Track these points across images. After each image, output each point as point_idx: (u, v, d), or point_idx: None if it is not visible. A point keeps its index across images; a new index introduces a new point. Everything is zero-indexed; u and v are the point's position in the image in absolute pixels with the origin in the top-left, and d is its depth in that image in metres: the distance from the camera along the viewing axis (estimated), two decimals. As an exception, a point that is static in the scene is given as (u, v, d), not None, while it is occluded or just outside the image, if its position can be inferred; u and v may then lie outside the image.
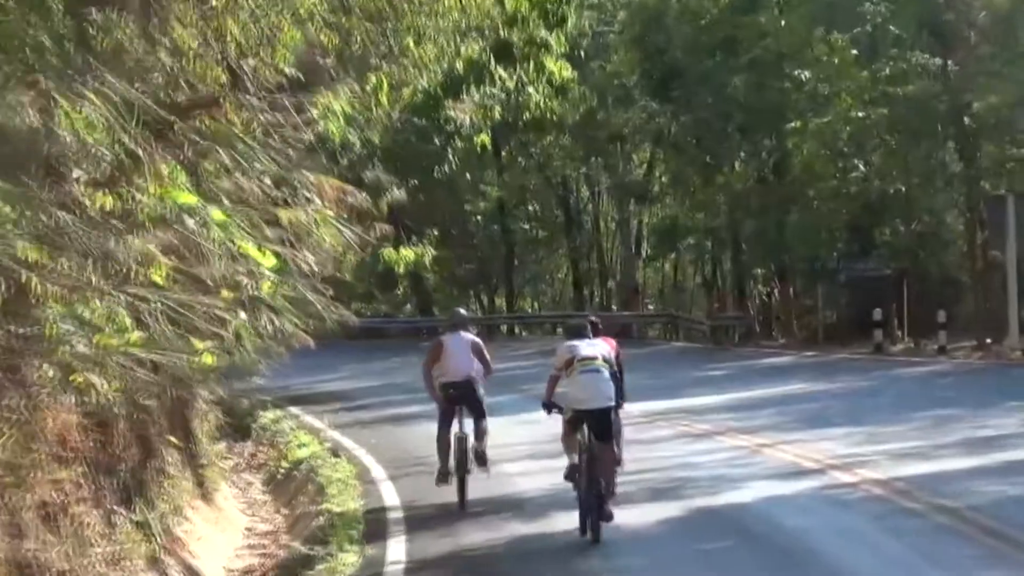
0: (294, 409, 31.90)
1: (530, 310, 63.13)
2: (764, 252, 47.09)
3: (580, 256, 58.19)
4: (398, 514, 16.44)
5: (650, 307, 57.52)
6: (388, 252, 28.65)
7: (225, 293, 10.65)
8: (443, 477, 15.88)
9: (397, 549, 14.18)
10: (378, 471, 20.51)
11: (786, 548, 13.07)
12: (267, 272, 10.49)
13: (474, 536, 14.61)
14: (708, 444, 20.57)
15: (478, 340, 16.20)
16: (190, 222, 10.95)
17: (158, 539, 15.24)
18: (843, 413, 23.26)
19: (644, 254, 57.94)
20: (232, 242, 11.04)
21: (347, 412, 30.00)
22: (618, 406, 13.80)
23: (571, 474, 13.60)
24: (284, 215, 14.41)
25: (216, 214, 10.99)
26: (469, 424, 16.08)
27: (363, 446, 23.62)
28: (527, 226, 61.82)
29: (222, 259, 11.13)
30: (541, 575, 12.55)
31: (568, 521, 14.53)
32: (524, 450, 20.56)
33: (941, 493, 14.90)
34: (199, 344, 10.32)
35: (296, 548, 15.42)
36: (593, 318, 15.45)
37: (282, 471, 24.51)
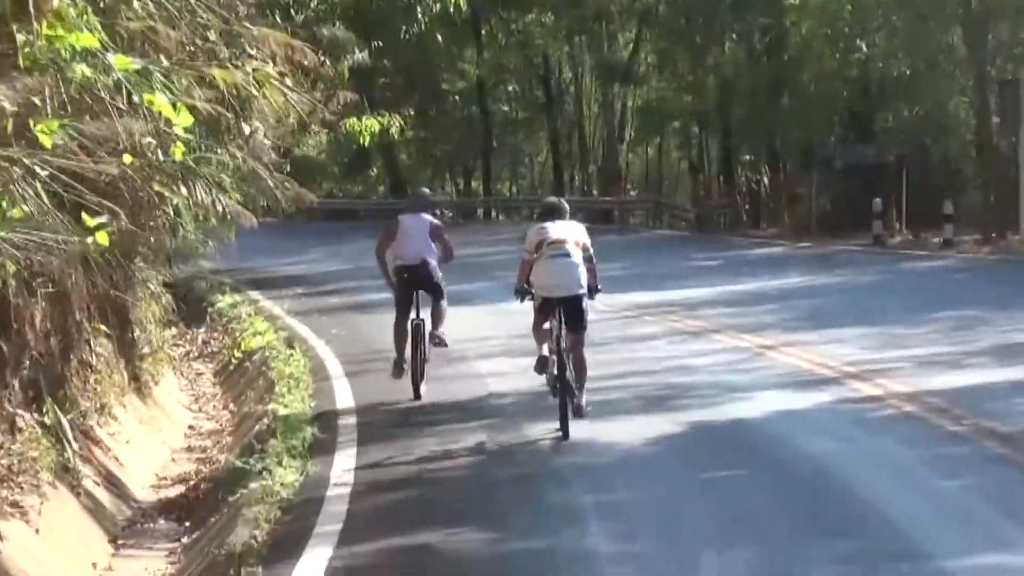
0: (254, 294, 30.10)
1: (508, 194, 61.05)
2: (754, 136, 44.82)
3: (560, 139, 55.95)
4: (350, 419, 14.36)
5: (632, 193, 55.26)
6: (351, 122, 26.14)
7: (128, 158, 8.43)
8: (399, 369, 14.89)
9: (343, 465, 12.06)
10: (334, 366, 18.47)
11: (808, 481, 10.78)
12: (180, 133, 8.23)
13: (433, 449, 12.51)
14: (703, 344, 18.42)
15: (438, 222, 15.11)
16: (84, 69, 8.77)
17: (71, 444, 13.14)
18: (850, 311, 21.04)
19: (628, 138, 55.68)
20: (136, 95, 8.85)
21: (309, 298, 28.04)
22: (592, 293, 12.80)
23: (541, 366, 12.56)
24: (219, 74, 12.09)
25: (121, 60, 8.79)
26: (427, 313, 15.14)
27: (322, 336, 21.61)
28: (506, 107, 59.83)
29: (123, 115, 8.94)
30: (508, 513, 10.30)
31: (543, 431, 12.73)
32: (497, 345, 18.63)
33: (986, 413, 12.56)
34: (89, 221, 8.10)
35: (230, 461, 13.22)
36: (552, 199, 14.11)
37: (234, 361, 22.63)
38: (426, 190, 16.97)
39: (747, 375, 15.62)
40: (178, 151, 8.32)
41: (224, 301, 28.89)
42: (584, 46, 51.61)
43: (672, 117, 49.78)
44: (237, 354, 22.72)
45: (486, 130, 56.27)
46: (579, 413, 12.24)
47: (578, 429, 12.46)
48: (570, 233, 12.50)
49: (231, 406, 20.11)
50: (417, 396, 14.82)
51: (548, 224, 12.53)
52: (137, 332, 19.89)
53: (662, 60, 48.70)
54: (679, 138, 55.47)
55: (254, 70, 13.05)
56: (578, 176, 56.71)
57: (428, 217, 14.99)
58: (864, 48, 38.07)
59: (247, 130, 15.58)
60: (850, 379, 14.85)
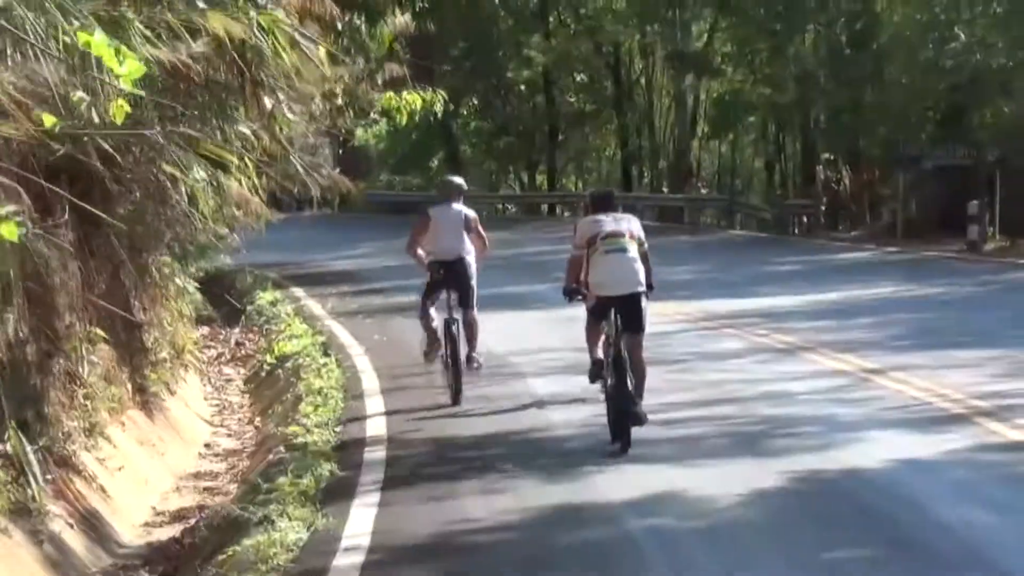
0: (297, 291, 27.99)
1: (574, 190, 58.31)
2: (836, 133, 42.03)
3: (630, 133, 53.26)
4: (378, 452, 12.03)
5: (703, 191, 52.49)
6: (388, 97, 23.55)
7: (49, 119, 6.05)
8: (431, 349, 14.19)
9: (360, 521, 9.65)
10: (370, 380, 16.19)
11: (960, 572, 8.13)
12: (123, 86, 5.83)
13: (474, 500, 10.10)
14: (796, 365, 15.86)
15: (472, 213, 14.14)
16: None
17: (35, 477, 10.78)
18: (962, 329, 18.41)
19: (700, 133, 53.02)
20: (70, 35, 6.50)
21: (355, 297, 25.85)
22: (648, 291, 11.75)
23: (597, 372, 11.68)
24: (215, 22, 9.64)
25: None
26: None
27: (363, 342, 19.39)
28: (573, 99, 56.87)
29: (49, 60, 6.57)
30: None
31: (612, 478, 10.43)
32: (556, 359, 16.29)
33: None
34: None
35: (229, 509, 10.83)
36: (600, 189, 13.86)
37: (266, 367, 20.46)
38: (455, 178, 15.37)
39: (855, 408, 13.02)
40: (118, 112, 5.87)
41: (264, 298, 26.91)
42: (657, 34, 48.82)
43: (748, 111, 46.91)
44: (270, 360, 20.59)
45: (552, 122, 54.00)
46: (638, 420, 11.10)
47: (655, 477, 10.26)
48: (626, 226, 11.58)
49: (257, 420, 17.89)
50: (456, 401, 13.77)
51: (602, 216, 11.59)
52: (154, 335, 17.63)
53: (740, 50, 45.86)
54: (754, 134, 52.77)
55: (259, 14, 10.51)
56: (647, 172, 54.10)
57: (461, 207, 13.96)
58: (962, 37, 35.07)
59: (268, 104, 13.21)
60: (983, 417, 12.21)
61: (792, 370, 15.40)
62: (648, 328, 11.74)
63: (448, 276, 13.83)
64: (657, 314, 21.03)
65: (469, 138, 57.32)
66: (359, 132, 59.78)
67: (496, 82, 54.02)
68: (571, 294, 11.87)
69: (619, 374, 11.17)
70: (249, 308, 26.57)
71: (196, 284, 23.30)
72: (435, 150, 56.82)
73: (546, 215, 51.40)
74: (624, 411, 11.12)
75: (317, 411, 14.47)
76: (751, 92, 45.97)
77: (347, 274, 30.53)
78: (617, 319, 11.40)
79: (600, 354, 11.56)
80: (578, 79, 56.34)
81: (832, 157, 43.12)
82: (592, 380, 11.84)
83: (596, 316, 11.62)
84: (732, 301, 22.56)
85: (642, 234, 11.69)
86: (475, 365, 13.99)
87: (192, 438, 16.85)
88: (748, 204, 45.65)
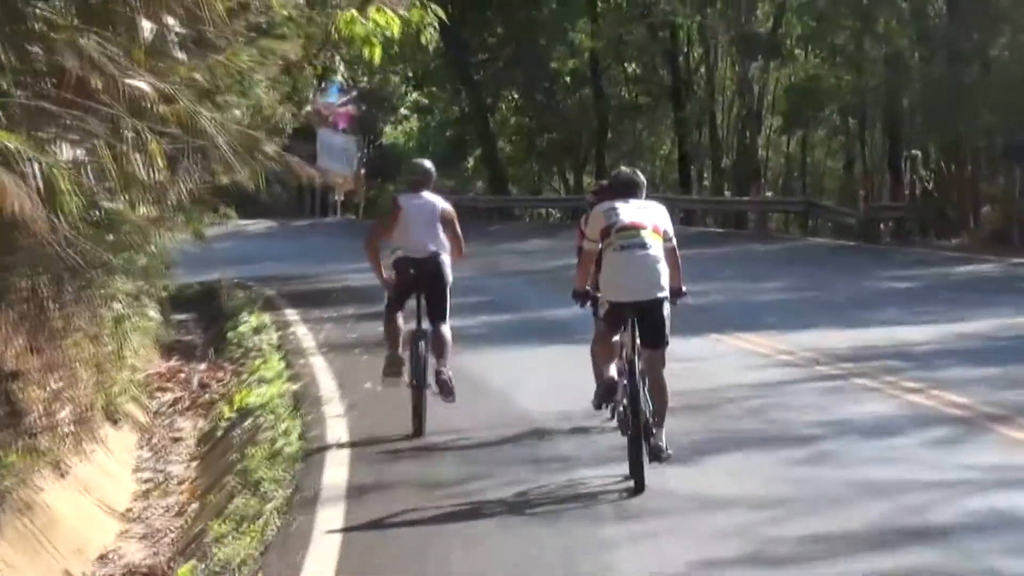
0: (291, 313, 23.00)
1: None
2: (931, 123, 36.16)
3: (688, 129, 47.76)
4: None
5: (768, 192, 46.92)
6: (346, 17, 17.31)
7: None
8: (393, 366, 12.08)
9: None
10: (336, 465, 10.83)
11: None
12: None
13: None
14: (1001, 452, 10.17)
15: (447, 206, 12.16)
16: None
17: None
18: None
19: (767, 128, 47.36)
20: None
21: (359, 322, 20.68)
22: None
23: (607, 394, 10.01)
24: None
25: None
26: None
27: (348, 393, 14.26)
28: (625, 90, 51.53)
29: None
30: None
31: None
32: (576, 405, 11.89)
33: None
34: None
35: None
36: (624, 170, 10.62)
37: (222, 424, 15.29)
38: (426, 162, 12.81)
39: None
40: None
41: (248, 323, 21.75)
42: (718, 15, 43.06)
43: (825, 101, 41.00)
44: (228, 413, 15.52)
45: (600, 117, 48.76)
46: (657, 455, 9.42)
47: None
48: (648, 216, 9.71)
49: (190, 508, 12.63)
50: (418, 433, 11.84)
51: (619, 204, 9.75)
52: (46, 389, 12.41)
53: (817, 29, 39.97)
54: (828, 129, 46.90)
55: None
56: (707, 173, 48.53)
57: (435, 198, 12.08)
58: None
59: (147, 28, 7.87)
60: None
61: (1000, 463, 9.72)
62: (741, 375, 10.86)
63: (419, 277, 11.90)
64: (749, 352, 15.73)
65: (508, 135, 52.42)
66: (387, 130, 55.71)
67: (538, 73, 49.14)
68: (581, 298, 10.25)
69: (633, 398, 9.40)
70: (229, 335, 21.50)
71: (159, 306, 18.77)
72: (471, 148, 52.46)
73: None
74: (639, 443, 9.33)
75: (243, 526, 9.12)
76: (829, 77, 40.09)
77: (358, 293, 24.95)
78: (634, 330, 9.56)
79: (613, 373, 9.79)
80: (630, 69, 51.11)
81: (924, 152, 37.27)
82: (598, 405, 10.65)
83: (608, 326, 9.87)
84: (846, 332, 16.98)
85: (670, 227, 9.79)
86: (440, 386, 11.76)
87: (85, 538, 11.58)
88: (828, 207, 39.72)
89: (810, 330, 17.30)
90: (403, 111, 53.77)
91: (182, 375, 19.08)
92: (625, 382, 9.66)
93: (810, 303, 20.70)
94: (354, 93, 48.61)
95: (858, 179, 42.35)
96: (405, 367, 11.95)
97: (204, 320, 25.95)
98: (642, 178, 10.15)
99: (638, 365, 9.47)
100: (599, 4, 47.52)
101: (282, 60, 15.01)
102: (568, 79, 50.74)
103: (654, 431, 9.47)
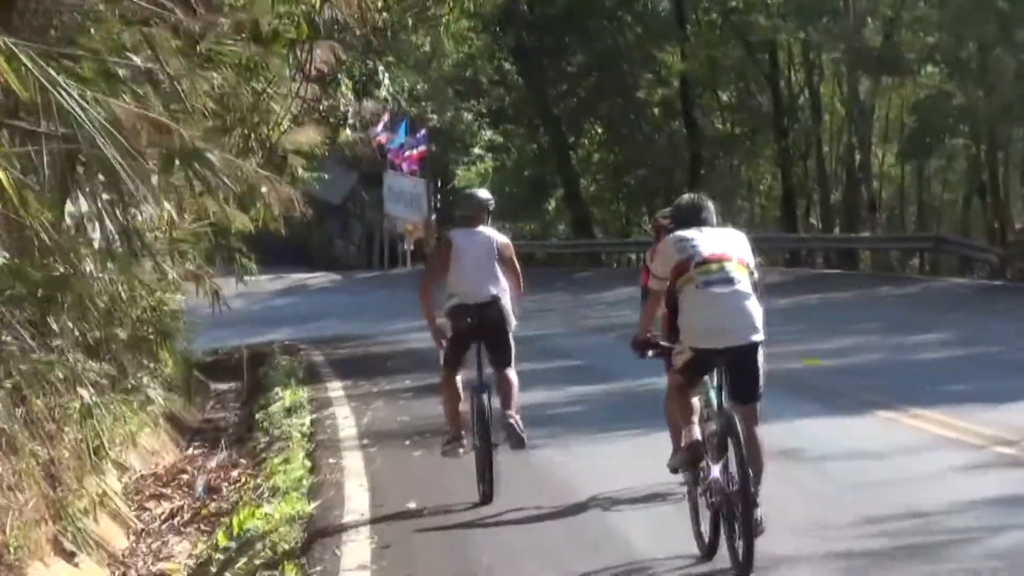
0: (335, 387, 19.00)
1: None
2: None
3: (792, 161, 43.30)
4: None
5: (878, 230, 42.18)
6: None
7: None
8: (454, 445, 10.59)
9: None
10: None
11: None
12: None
13: None
14: None
15: (505, 239, 10.65)
16: None
17: None
18: None
19: (881, 157, 42.81)
20: None
21: (416, 397, 16.93)
22: None
23: (692, 457, 8.15)
24: None
25: None
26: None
27: (381, 518, 10.30)
28: (719, 120, 47.42)
29: None
30: None
31: None
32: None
33: None
34: None
35: None
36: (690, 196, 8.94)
37: (216, 557, 11.15)
38: (482, 192, 11.20)
39: None
40: None
41: (283, 401, 17.88)
42: (825, 29, 38.46)
43: (955, 122, 36.13)
44: (223, 541, 11.42)
45: (693, 150, 44.74)
46: (758, 528, 7.73)
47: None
48: (730, 246, 8.21)
49: None
50: (487, 499, 10.21)
51: (694, 235, 8.23)
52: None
53: (942, 40, 35.23)
54: (946, 157, 42.13)
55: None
56: (815, 209, 43.99)
57: (491, 232, 10.54)
58: None
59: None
60: None
61: None
62: (954, 484, 8.69)
63: (479, 325, 10.41)
64: (946, 440, 11.42)
65: (592, 173, 48.44)
66: (460, 172, 51.75)
67: (624, 104, 45.42)
68: (643, 348, 8.52)
69: (739, 457, 7.68)
70: (258, 416, 17.54)
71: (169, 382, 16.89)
72: (552, 189, 48.59)
73: None
74: (743, 512, 7.60)
75: None
76: (957, 95, 35.30)
77: (419, 357, 20.62)
78: (724, 382, 8.03)
79: (696, 433, 8.12)
80: (724, 97, 47.02)
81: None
82: (678, 469, 8.49)
83: (689, 378, 8.24)
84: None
85: (752, 260, 8.21)
86: (510, 434, 10.22)
87: None
88: (967, 243, 34.78)
89: (996, 406, 12.80)
90: (477, 150, 49.98)
91: (185, 476, 14.80)
92: (716, 440, 8.07)
93: (993, 363, 16.12)
94: (423, 132, 44.72)
95: (989, 211, 37.50)
96: (466, 441, 10.66)
97: (248, 392, 22.05)
98: (710, 203, 8.61)
99: (739, 422, 7.89)
100: (689, 27, 43.17)
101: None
102: (656, 110, 46.98)
103: (756, 499, 7.91)
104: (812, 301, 26.71)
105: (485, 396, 10.48)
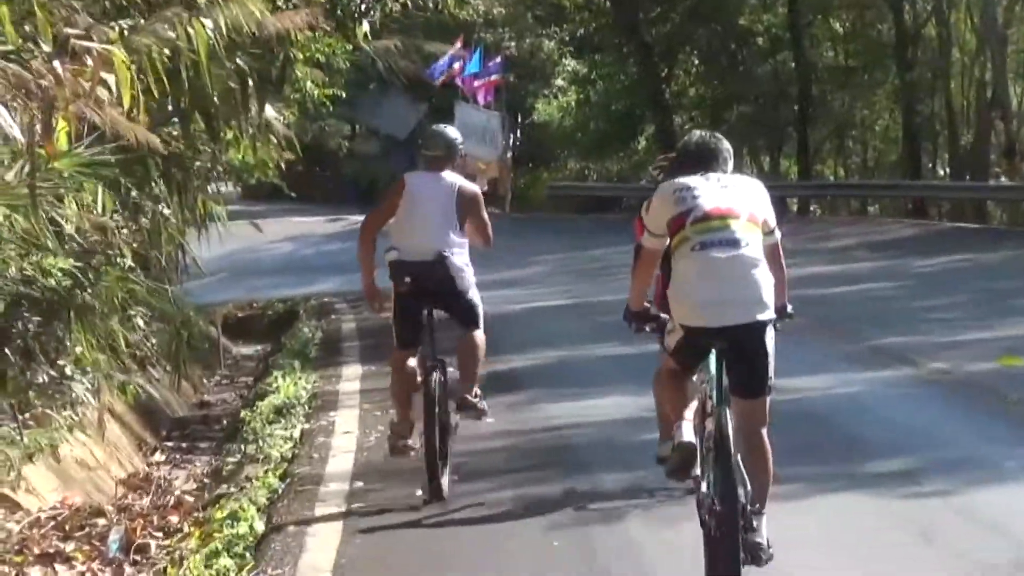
0: (351, 373, 14.73)
1: (833, 179, 44.06)
2: None
3: (916, 97, 38.55)
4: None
5: (1003, 179, 37.74)
6: None
7: None
8: (399, 442, 9.22)
9: None
10: None
11: None
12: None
13: None
14: None
15: (474, 190, 9.45)
16: None
17: None
18: None
19: (1020, 94, 38.21)
20: None
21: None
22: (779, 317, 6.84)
23: (680, 467, 6.77)
24: None
25: None
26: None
27: None
28: (832, 51, 43.33)
29: None
30: None
31: None
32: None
33: None
34: None
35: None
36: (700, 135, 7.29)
37: None
38: (448, 129, 9.62)
39: None
40: None
41: (280, 392, 13.79)
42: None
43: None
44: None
45: (801, 85, 40.48)
46: (756, 556, 6.44)
47: None
48: (739, 199, 6.75)
49: None
50: (437, 496, 8.81)
51: (697, 183, 6.78)
52: None
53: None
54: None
55: None
56: (940, 152, 39.43)
57: (456, 179, 9.30)
58: None
59: None
60: None
61: None
62: None
63: (422, 286, 9.01)
64: None
65: (687, 109, 44.18)
66: (540, 106, 48.10)
67: (724, 31, 41.55)
68: (636, 320, 7.15)
69: (724, 470, 6.40)
70: (244, 414, 13.45)
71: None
72: (642, 126, 44.70)
73: (796, 214, 37.68)
74: (727, 536, 6.40)
75: None
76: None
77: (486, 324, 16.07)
78: (720, 369, 6.62)
79: (687, 432, 6.69)
80: (838, 23, 42.67)
81: None
82: (672, 473, 6.89)
83: (681, 361, 6.88)
84: None
85: (771, 213, 6.80)
86: (467, 406, 9.07)
87: None
88: None
89: None
90: (558, 82, 46.61)
91: (102, 521, 10.24)
92: (711, 446, 6.57)
93: None
94: (499, 60, 40.56)
95: None
96: (413, 443, 9.10)
97: (266, 364, 18.11)
98: (725, 144, 7.05)
99: (728, 423, 6.40)
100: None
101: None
102: (761, 40, 42.75)
103: (753, 521, 6.42)
104: (960, 264, 21.96)
105: (434, 377, 9.04)
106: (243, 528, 8.34)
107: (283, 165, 17.45)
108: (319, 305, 22.21)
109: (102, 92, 7.99)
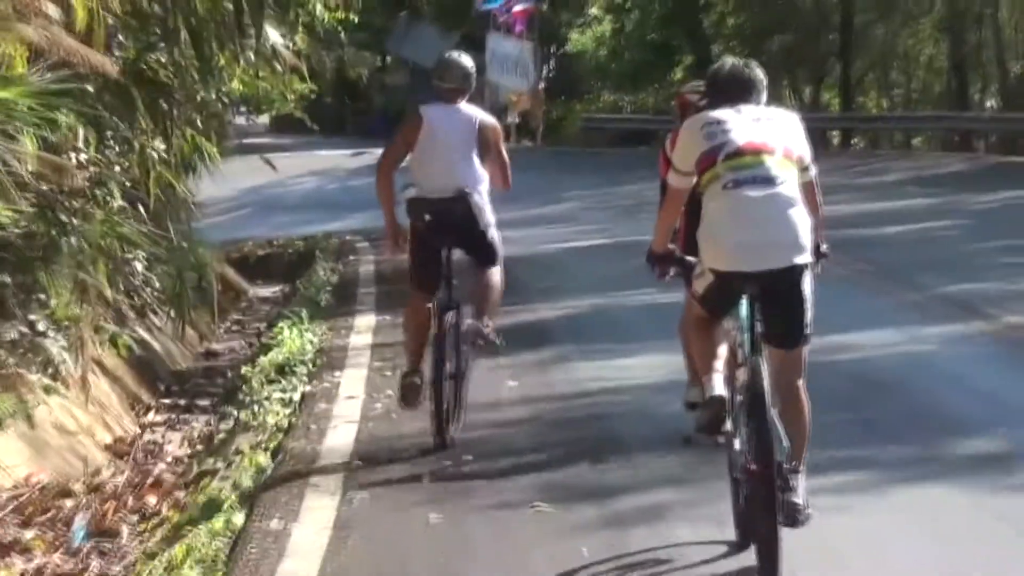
0: (364, 324, 13.57)
1: (875, 110, 42.98)
2: None
3: (964, 26, 37.79)
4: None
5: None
6: None
7: None
8: (411, 387, 8.74)
9: None
10: None
11: None
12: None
13: None
14: None
15: (493, 122, 9.01)
16: None
17: None
18: None
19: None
20: None
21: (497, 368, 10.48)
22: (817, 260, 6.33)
23: (711, 423, 6.19)
24: None
25: None
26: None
27: None
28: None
29: None
30: None
31: None
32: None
33: None
34: None
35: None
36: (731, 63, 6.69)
37: None
38: (464, 58, 8.98)
39: None
40: None
41: (284, 347, 12.55)
42: None
43: None
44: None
45: (844, 14, 40.00)
46: (793, 516, 5.94)
47: None
48: (774, 133, 6.25)
49: None
50: (442, 443, 8.53)
51: (728, 116, 6.27)
52: None
53: None
54: None
55: None
56: (989, 85, 38.38)
57: (474, 111, 8.91)
58: None
59: None
60: None
61: None
62: None
63: (441, 225, 8.68)
64: None
65: (726, 39, 43.25)
66: (573, 36, 47.23)
67: None
68: (660, 263, 6.66)
69: (760, 426, 5.87)
70: (244, 370, 12.22)
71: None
72: (679, 57, 44.13)
73: (837, 147, 36.81)
74: (764, 497, 5.87)
75: None
76: None
77: (514, 272, 14.65)
78: (752, 316, 6.13)
79: (718, 385, 6.18)
80: None
81: None
82: (702, 429, 6.32)
83: (711, 308, 6.40)
84: None
85: (807, 150, 6.30)
86: (481, 341, 8.64)
87: None
88: None
89: None
90: (593, 11, 46.12)
91: (69, 500, 9.06)
92: (745, 400, 6.06)
93: None
94: (530, -13, 39.72)
95: None
96: (424, 388, 8.63)
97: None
98: (759, 73, 6.46)
99: (765, 375, 5.92)
100: None
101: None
102: None
103: (790, 480, 5.95)
104: (1021, 201, 20.63)
105: (448, 316, 8.75)
106: (219, 524, 7.16)
107: (310, 96, 16.41)
108: (338, 244, 21.19)
109: (50, 7, 6.80)
